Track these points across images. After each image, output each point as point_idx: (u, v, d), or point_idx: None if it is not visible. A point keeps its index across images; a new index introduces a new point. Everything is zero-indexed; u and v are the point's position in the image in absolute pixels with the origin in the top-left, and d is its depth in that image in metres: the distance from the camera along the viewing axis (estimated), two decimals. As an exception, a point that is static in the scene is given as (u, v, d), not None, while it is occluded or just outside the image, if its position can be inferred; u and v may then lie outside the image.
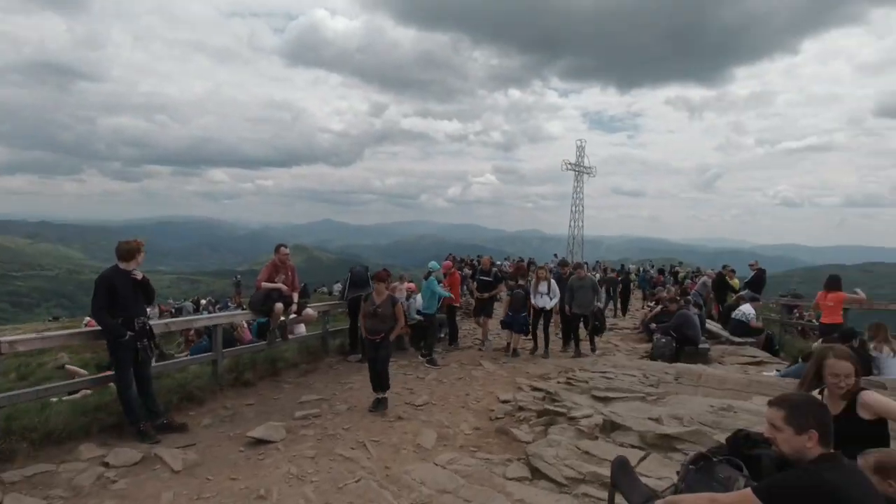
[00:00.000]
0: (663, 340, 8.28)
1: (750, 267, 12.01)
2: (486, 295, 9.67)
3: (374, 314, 5.84)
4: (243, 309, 10.52)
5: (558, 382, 6.70)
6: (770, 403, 2.25)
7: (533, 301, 8.93)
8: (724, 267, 13.02)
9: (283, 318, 7.02)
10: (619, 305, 16.86)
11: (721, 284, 12.62)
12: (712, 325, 11.28)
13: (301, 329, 8.41)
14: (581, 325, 9.29)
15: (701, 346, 8.43)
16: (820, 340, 6.51)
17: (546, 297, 8.87)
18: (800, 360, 6.30)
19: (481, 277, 10.02)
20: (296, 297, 7.13)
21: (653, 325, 10.27)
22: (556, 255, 29.84)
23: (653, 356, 8.42)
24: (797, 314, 13.12)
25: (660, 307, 11.56)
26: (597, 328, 9.41)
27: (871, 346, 6.22)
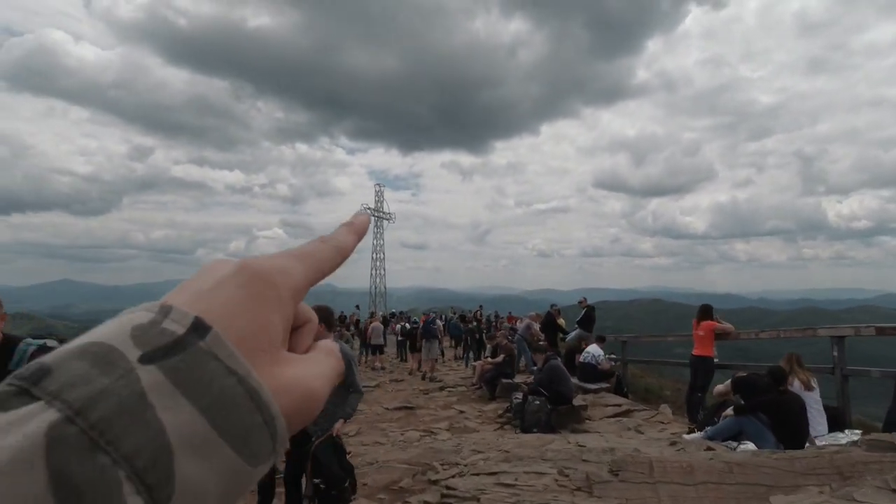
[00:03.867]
0: (536, 403, 6.29)
1: (579, 305, 11.34)
2: None
3: None
4: None
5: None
6: None
7: None
8: (551, 306, 12.23)
9: None
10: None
11: (550, 325, 11.69)
12: (553, 371, 10.03)
13: None
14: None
15: (577, 403, 6.70)
16: (729, 383, 5.25)
17: None
18: (721, 414, 4.89)
19: None
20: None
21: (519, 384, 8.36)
22: (357, 307, 27.28)
23: (524, 426, 6.35)
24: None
25: (502, 356, 9.84)
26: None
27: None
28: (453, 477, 4.80)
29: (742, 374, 5.48)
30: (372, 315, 23.93)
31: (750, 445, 4.40)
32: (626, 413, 7.41)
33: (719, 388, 5.51)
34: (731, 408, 4.65)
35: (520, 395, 7.04)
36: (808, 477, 3.33)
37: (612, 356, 9.75)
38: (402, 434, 6.92)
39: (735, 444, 4.53)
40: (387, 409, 9.07)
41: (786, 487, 3.30)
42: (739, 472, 3.49)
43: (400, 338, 19.67)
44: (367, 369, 15.70)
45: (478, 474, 4.34)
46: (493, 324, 26.95)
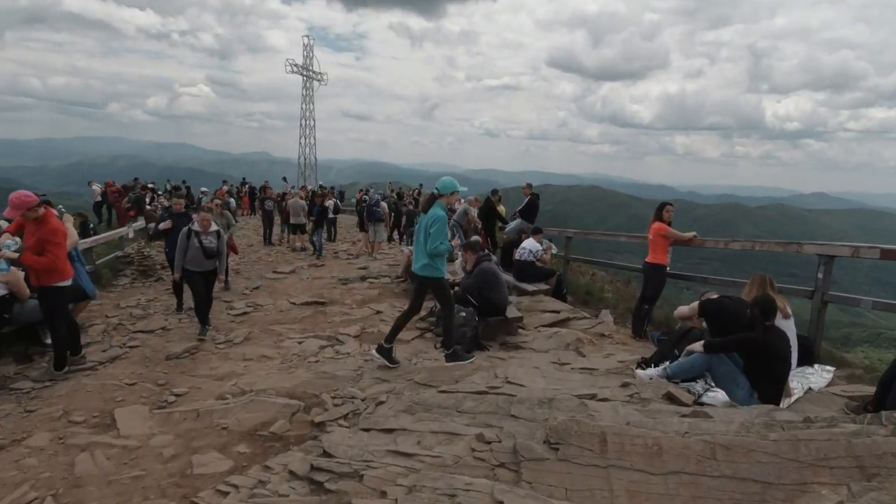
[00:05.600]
0: (462, 315, 5.13)
1: (523, 192, 10.04)
2: None
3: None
4: None
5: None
6: None
7: None
8: (492, 192, 10.87)
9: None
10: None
11: (489, 212, 10.43)
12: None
13: None
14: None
15: (511, 314, 5.63)
16: (696, 305, 4.25)
17: None
18: (683, 346, 3.90)
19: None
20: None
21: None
22: (284, 179, 24.94)
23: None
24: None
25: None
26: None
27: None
28: (341, 419, 3.66)
29: (712, 294, 4.49)
30: (293, 189, 21.83)
31: (720, 394, 3.47)
32: (565, 322, 6.55)
33: (682, 309, 4.55)
34: (701, 343, 3.66)
35: (445, 301, 5.88)
36: (817, 471, 2.37)
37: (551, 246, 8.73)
38: (298, 343, 5.71)
39: (699, 388, 3.60)
40: (293, 303, 7.81)
41: (787, 487, 2.33)
42: (725, 458, 2.47)
43: (331, 215, 18.06)
44: (288, 251, 14.23)
45: (368, 430, 3.17)
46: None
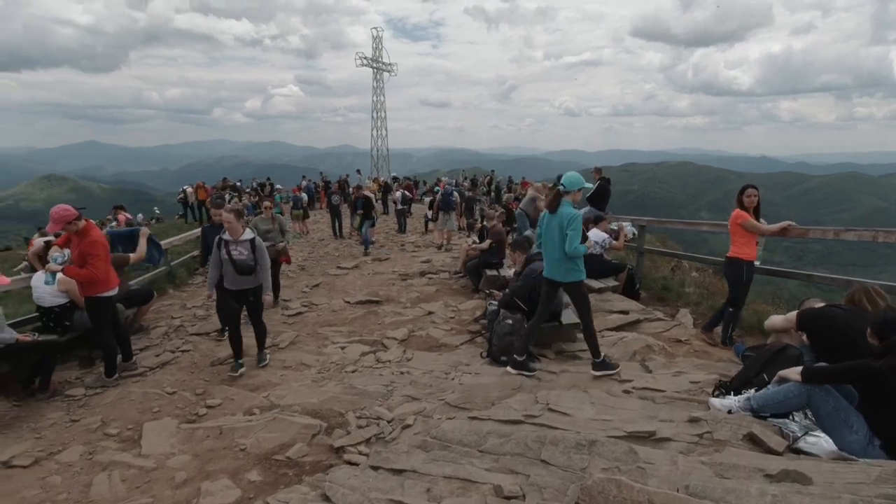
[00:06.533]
0: (508, 323, 4.59)
1: (594, 176, 9.15)
2: None
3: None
4: None
5: None
6: None
7: None
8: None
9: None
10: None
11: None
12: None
13: None
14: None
15: (567, 320, 4.99)
16: (794, 315, 3.39)
17: None
18: (774, 370, 3.09)
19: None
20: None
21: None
22: (359, 172, 25.34)
23: (491, 350, 4.75)
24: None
25: (489, 242, 8.07)
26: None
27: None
28: (362, 444, 3.32)
29: (816, 301, 3.59)
30: (367, 181, 21.96)
31: (824, 440, 2.67)
32: (635, 324, 5.78)
33: (776, 319, 3.68)
34: (799, 370, 2.86)
35: (496, 303, 5.37)
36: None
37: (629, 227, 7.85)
38: (341, 349, 5.48)
39: (796, 427, 2.81)
40: (348, 302, 7.66)
41: None
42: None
43: (400, 206, 18.02)
44: (356, 243, 14.31)
45: (377, 468, 2.79)
46: (506, 189, 25.02)
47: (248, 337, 5.14)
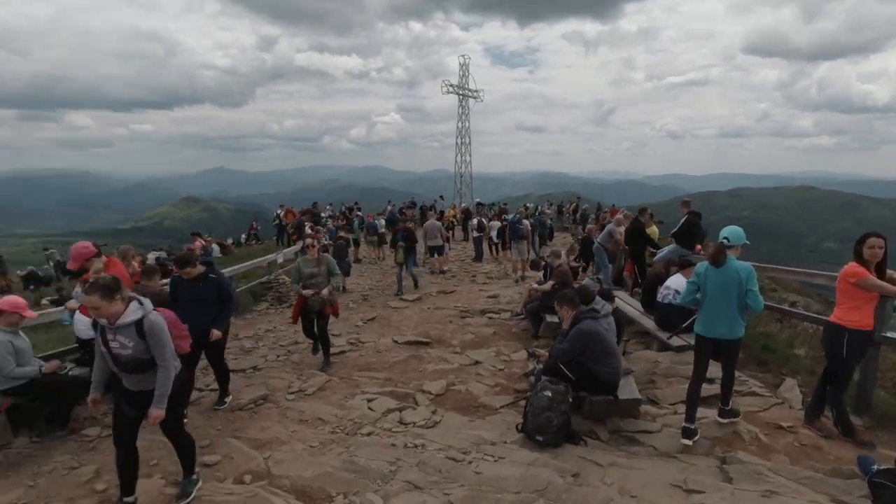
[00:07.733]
0: (547, 395, 3.76)
1: (681, 210, 7.92)
2: None
3: None
4: None
5: None
6: None
7: None
8: (641, 211, 8.92)
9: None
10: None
11: (636, 234, 8.50)
12: (627, 305, 7.18)
13: None
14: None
15: (625, 395, 4.03)
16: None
17: None
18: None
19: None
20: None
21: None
22: (441, 198, 25.29)
23: (526, 427, 3.92)
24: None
25: (551, 283, 7.21)
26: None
27: None
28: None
29: None
30: (432, 208, 21.60)
31: None
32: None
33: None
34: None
35: (541, 365, 4.55)
36: None
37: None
38: (368, 402, 4.95)
39: None
40: (396, 342, 7.17)
41: None
42: None
43: (476, 234, 17.52)
44: (427, 273, 13.93)
45: None
46: (593, 218, 23.56)
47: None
